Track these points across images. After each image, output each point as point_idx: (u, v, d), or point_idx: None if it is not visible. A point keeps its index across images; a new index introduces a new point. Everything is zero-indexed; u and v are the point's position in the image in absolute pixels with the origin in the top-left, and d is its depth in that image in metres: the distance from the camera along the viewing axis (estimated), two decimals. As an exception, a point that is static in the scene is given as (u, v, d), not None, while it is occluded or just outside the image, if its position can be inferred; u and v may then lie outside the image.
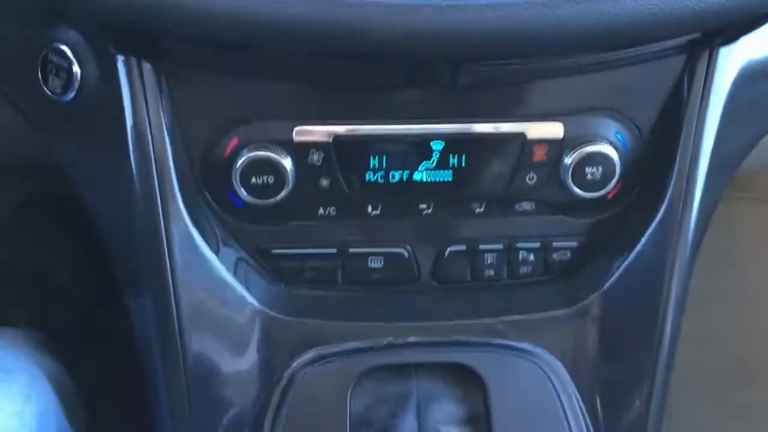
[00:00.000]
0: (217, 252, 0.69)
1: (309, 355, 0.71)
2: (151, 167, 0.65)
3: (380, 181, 0.69)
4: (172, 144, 0.65)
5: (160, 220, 0.66)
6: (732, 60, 0.67)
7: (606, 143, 0.68)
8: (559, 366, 0.72)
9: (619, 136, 0.69)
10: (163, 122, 0.65)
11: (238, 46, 0.58)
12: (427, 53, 0.56)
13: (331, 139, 0.66)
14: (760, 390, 1.59)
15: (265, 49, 0.59)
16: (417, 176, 0.69)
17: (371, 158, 0.68)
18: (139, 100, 0.64)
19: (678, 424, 0.85)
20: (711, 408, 1.54)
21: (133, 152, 0.65)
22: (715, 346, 1.60)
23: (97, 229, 0.71)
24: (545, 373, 0.71)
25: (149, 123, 0.64)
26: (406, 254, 0.73)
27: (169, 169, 0.65)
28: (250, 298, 0.70)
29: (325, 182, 0.68)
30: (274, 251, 0.72)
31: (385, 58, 0.58)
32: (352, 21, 0.54)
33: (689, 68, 0.67)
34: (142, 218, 0.67)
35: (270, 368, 0.71)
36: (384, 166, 0.68)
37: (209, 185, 0.69)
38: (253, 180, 0.66)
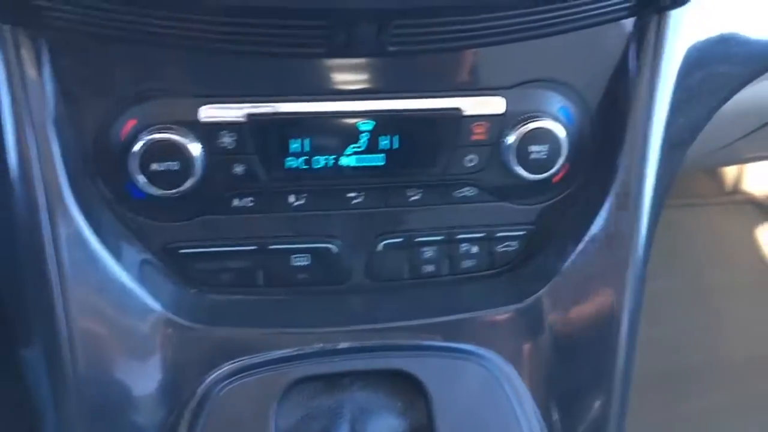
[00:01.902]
0: (116, 253, 0.60)
1: (225, 368, 0.62)
2: (32, 155, 0.56)
3: (303, 167, 0.61)
4: (57, 127, 0.57)
5: (44, 218, 0.57)
6: (684, 28, 0.62)
7: (551, 119, 0.62)
8: (510, 369, 0.65)
9: (564, 111, 0.63)
10: (46, 101, 0.56)
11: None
12: (349, 5, 0.49)
13: (244, 119, 0.59)
14: (707, 396, 1.57)
15: (167, 5, 0.51)
16: (344, 161, 0.62)
17: (292, 141, 0.60)
18: (15, 75, 0.55)
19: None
20: (661, 416, 1.51)
21: (11, 137, 0.56)
22: (663, 350, 1.58)
23: None
24: (495, 377, 0.63)
25: (28, 102, 0.56)
26: (335, 250, 0.65)
27: (54, 156, 0.57)
28: (155, 306, 0.61)
29: (239, 169, 0.60)
30: (183, 251, 0.64)
31: (304, 15, 0.51)
32: None
33: (637, 35, 0.62)
34: (23, 218, 0.57)
35: (180, 386, 0.61)
36: (307, 150, 0.61)
37: (104, 175, 0.60)
38: (154, 167, 0.58)
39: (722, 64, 0.66)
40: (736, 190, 1.86)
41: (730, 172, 1.86)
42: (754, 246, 1.77)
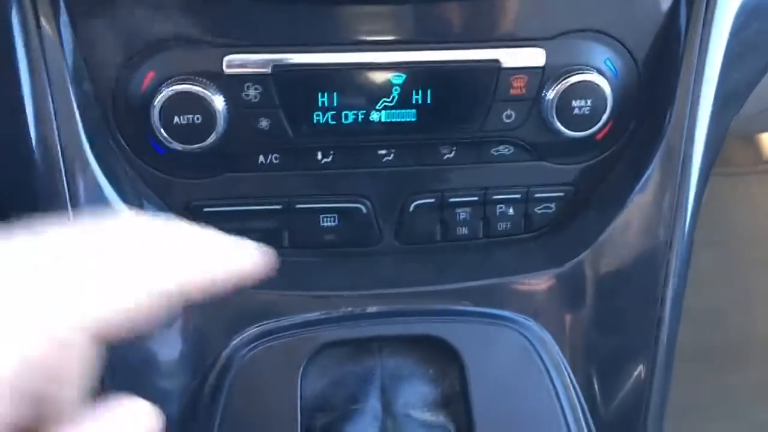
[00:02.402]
0: (138, 212, 0.58)
1: (251, 331, 0.59)
2: (48, 108, 0.54)
3: (331, 122, 0.58)
4: (74, 80, 0.54)
5: (62, 175, 0.55)
6: (739, -27, 0.58)
7: (594, 72, 0.58)
8: (547, 336, 0.62)
9: (609, 64, 0.59)
10: (62, 51, 0.54)
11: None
12: None
13: (269, 70, 0.56)
14: (744, 373, 1.53)
15: None
16: (375, 116, 0.58)
17: (320, 94, 0.57)
18: (30, 22, 0.53)
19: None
20: (695, 391, 1.48)
21: (27, 91, 0.54)
22: (697, 325, 1.54)
23: None
24: (531, 344, 0.61)
25: (44, 52, 0.53)
26: (365, 210, 0.63)
27: (72, 109, 0.54)
28: None
29: (264, 123, 0.57)
30: (207, 209, 0.61)
31: None
32: None
33: None
34: (42, 175, 0.55)
35: (203, 349, 0.59)
36: (335, 104, 0.58)
37: (124, 128, 0.58)
38: (177, 120, 0.55)
39: (780, 14, 0.61)
40: (775, 159, 1.80)
41: (767, 139, 1.80)
42: (793, 217, 1.71)
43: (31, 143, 0.55)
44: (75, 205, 0.56)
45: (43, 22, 0.53)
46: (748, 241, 1.69)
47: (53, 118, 0.54)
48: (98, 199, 0.56)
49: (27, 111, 0.54)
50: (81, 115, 0.55)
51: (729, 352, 1.55)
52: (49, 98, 0.54)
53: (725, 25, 0.58)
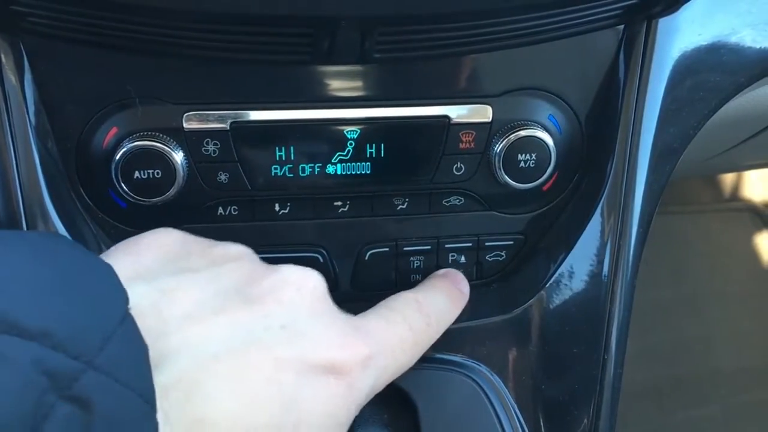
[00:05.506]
0: None
1: None
2: (11, 163, 0.55)
3: (288, 175, 0.60)
4: (36, 134, 0.56)
5: (23, 228, 0.56)
6: (673, 36, 0.62)
7: (539, 127, 0.61)
8: (497, 381, 0.63)
9: (553, 120, 0.62)
10: (26, 109, 0.55)
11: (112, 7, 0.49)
12: (331, 11, 0.48)
13: (228, 126, 0.58)
14: (707, 406, 1.56)
15: (145, 13, 0.50)
16: (330, 169, 0.61)
17: (277, 149, 0.60)
18: None
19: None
20: (654, 426, 1.50)
21: None
22: (658, 360, 1.56)
23: None
24: (482, 389, 0.62)
25: (8, 110, 0.55)
26: (321, 259, 0.64)
27: (34, 164, 0.56)
28: None
29: (223, 177, 0.59)
30: None
31: (285, 22, 0.50)
32: None
33: (626, 43, 0.62)
34: (2, 229, 0.56)
35: None
36: (292, 158, 0.60)
37: (86, 183, 0.59)
38: (137, 175, 0.57)
39: (713, 73, 0.64)
40: (734, 197, 1.85)
41: (728, 179, 1.85)
42: (752, 254, 1.76)
43: None
44: None
45: (8, 77, 0.55)
46: (709, 276, 1.73)
47: (16, 173, 0.56)
48: None
49: None
50: (43, 171, 0.56)
51: (691, 385, 1.58)
52: (12, 155, 0.55)
53: (660, 82, 0.62)
